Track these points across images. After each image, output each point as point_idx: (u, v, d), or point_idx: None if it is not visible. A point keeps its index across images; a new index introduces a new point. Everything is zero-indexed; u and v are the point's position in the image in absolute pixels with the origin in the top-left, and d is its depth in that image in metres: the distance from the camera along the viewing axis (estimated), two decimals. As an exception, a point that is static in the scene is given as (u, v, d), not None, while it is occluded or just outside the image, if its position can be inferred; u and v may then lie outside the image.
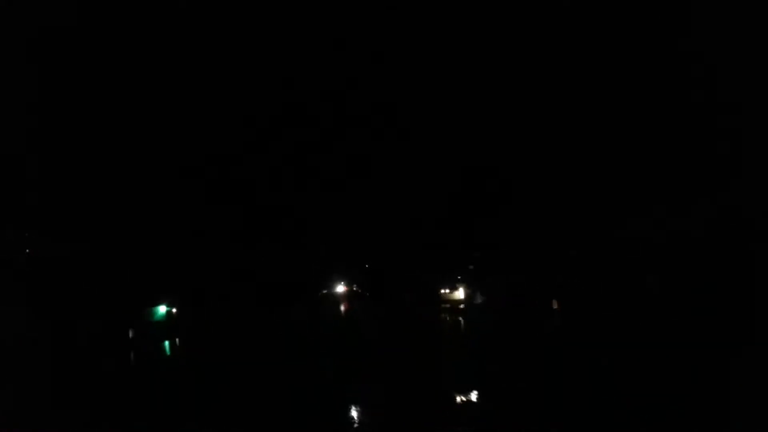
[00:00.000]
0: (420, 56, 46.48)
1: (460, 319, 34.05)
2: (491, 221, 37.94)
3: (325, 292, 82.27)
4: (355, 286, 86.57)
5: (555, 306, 30.17)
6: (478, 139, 40.11)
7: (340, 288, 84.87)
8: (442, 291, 48.53)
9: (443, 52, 41.44)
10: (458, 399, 13.06)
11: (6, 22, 26.23)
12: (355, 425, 11.25)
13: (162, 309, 35.40)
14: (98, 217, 32.03)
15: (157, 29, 35.35)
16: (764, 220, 22.51)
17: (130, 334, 28.95)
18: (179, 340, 31.39)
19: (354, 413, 11.98)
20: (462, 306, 41.32)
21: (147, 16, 35.16)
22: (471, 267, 43.66)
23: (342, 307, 57.35)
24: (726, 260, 22.49)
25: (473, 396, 13.22)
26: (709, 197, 25.29)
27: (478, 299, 39.74)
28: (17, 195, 28.06)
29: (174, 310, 36.37)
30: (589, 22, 30.68)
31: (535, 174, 35.39)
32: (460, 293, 45.13)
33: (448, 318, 36.18)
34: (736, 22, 23.58)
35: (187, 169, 37.69)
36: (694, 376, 11.97)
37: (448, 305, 43.90)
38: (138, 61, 35.62)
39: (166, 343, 30.36)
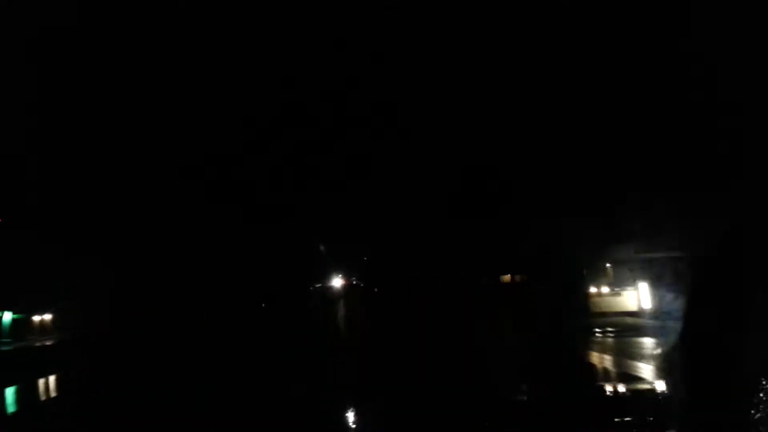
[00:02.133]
0: (420, 56, 46.50)
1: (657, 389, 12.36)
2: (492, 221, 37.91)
3: (318, 285, 75.31)
4: (354, 279, 79.86)
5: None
6: (478, 139, 40.16)
7: (337, 281, 77.85)
8: (594, 291, 28.59)
9: (443, 52, 41.47)
10: None
11: (6, 22, 26.21)
12: None
13: (6, 317, 23.47)
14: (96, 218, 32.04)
15: (157, 29, 35.36)
16: (764, 220, 22.49)
17: None
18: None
19: None
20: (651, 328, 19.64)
21: (147, 16, 35.14)
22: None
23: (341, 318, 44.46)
24: (725, 260, 22.46)
25: None
26: (709, 197, 25.27)
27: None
28: (17, 195, 28.07)
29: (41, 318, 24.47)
30: (589, 21, 30.68)
31: (535, 174, 35.42)
32: (643, 295, 25.16)
33: (615, 373, 14.87)
34: (736, 22, 23.57)
35: (187, 169, 37.75)
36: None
37: (609, 328, 22.35)
38: (138, 61, 35.66)
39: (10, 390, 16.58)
